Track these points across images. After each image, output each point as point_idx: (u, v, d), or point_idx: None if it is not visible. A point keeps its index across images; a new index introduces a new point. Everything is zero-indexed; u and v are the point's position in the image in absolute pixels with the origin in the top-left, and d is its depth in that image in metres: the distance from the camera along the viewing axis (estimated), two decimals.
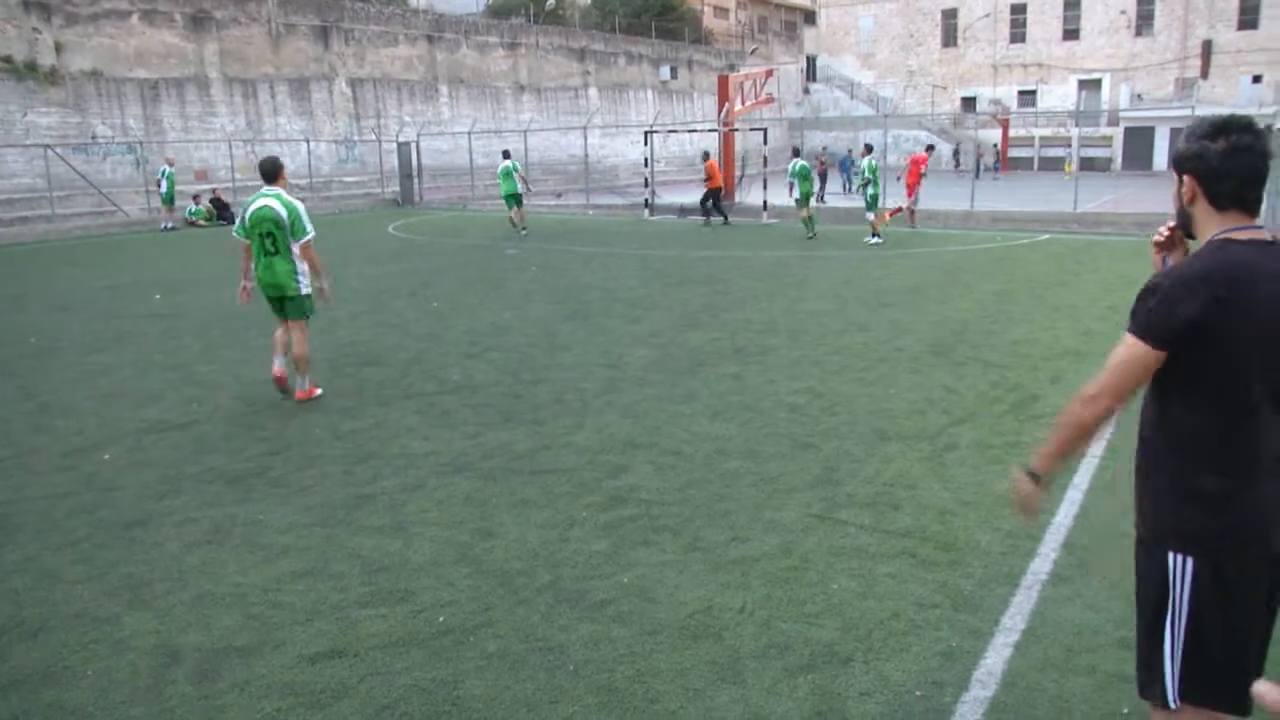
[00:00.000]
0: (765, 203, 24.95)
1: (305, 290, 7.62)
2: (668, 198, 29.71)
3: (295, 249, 7.49)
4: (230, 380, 8.56)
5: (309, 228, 7.51)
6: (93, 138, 28.43)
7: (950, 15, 57.60)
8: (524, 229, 22.47)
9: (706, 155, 24.95)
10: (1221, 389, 2.21)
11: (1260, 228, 2.26)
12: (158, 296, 13.81)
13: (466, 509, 5.33)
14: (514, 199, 22.51)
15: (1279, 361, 2.18)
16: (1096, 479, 5.55)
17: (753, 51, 61.23)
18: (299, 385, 7.77)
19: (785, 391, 7.70)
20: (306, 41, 34.51)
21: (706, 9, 66.14)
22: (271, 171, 7.56)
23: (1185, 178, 2.32)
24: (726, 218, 24.60)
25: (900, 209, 21.89)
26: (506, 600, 4.25)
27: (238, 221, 7.69)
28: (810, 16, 70.25)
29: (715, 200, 24.59)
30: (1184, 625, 2.28)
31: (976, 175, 30.66)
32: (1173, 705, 2.32)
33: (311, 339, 8.15)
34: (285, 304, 7.65)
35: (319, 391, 7.89)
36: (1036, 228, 21.46)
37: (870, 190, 19.49)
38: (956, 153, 50.77)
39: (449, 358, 9.28)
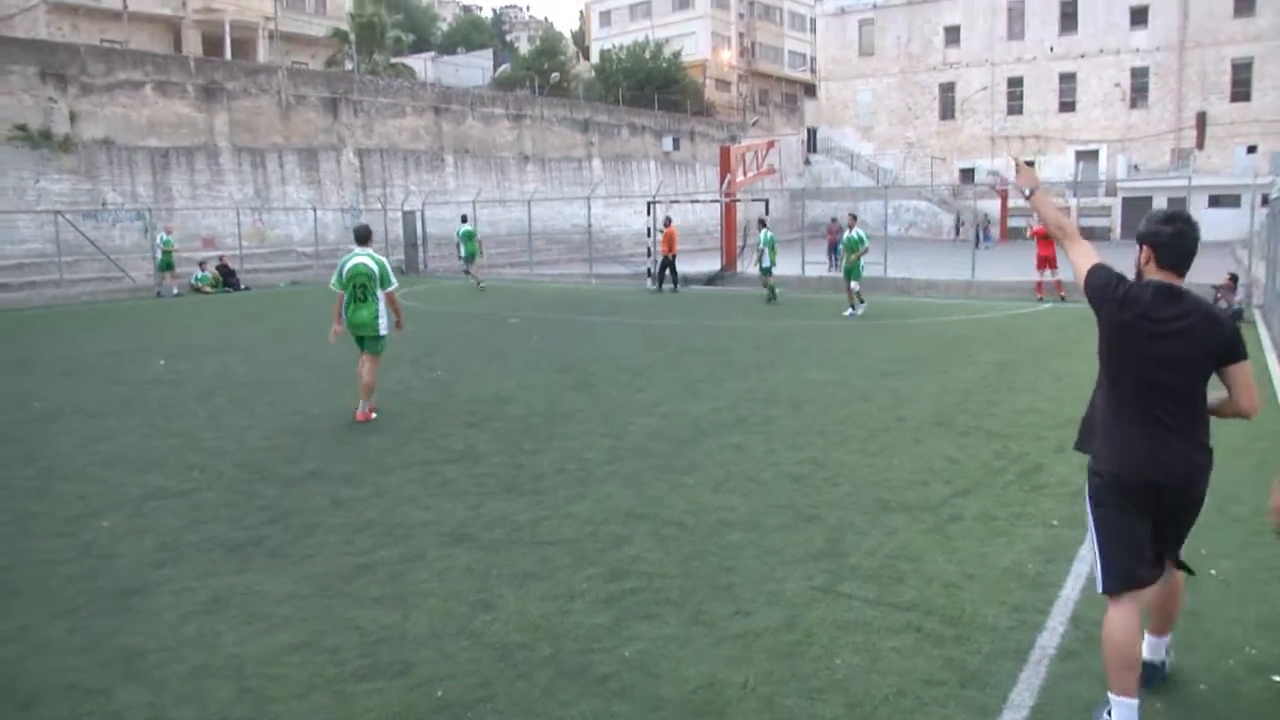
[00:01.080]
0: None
1: (384, 332, 9.58)
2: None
3: (382, 296, 9.43)
4: (233, 447, 8.56)
5: (394, 280, 9.55)
6: (103, 204, 28.85)
7: (948, 89, 58.65)
8: (482, 284, 26.54)
9: (668, 221, 25.78)
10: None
11: (1179, 280, 3.56)
12: (162, 362, 13.86)
13: (466, 580, 5.29)
14: (472, 258, 26.98)
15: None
16: None
17: (754, 123, 62.43)
18: (360, 408, 9.57)
19: (788, 462, 7.67)
20: (315, 112, 35.20)
21: (708, 82, 67.59)
22: (364, 236, 9.72)
23: (1144, 247, 3.61)
24: (676, 286, 25.48)
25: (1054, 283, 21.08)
26: (506, 674, 4.20)
27: (334, 275, 9.55)
28: (810, 90, 71.63)
29: (670, 268, 25.49)
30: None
31: (976, 245, 30.91)
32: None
33: (311, 406, 8.34)
34: (365, 341, 9.61)
35: (375, 415, 9.59)
36: (1037, 297, 21.57)
37: (847, 262, 18.94)
38: (958, 223, 51.19)
39: (451, 426, 9.28)
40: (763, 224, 22.97)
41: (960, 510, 6.35)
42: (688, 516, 6.31)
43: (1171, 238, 3.51)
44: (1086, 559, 5.31)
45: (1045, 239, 20.52)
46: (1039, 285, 21.25)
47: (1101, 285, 3.60)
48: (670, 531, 6.03)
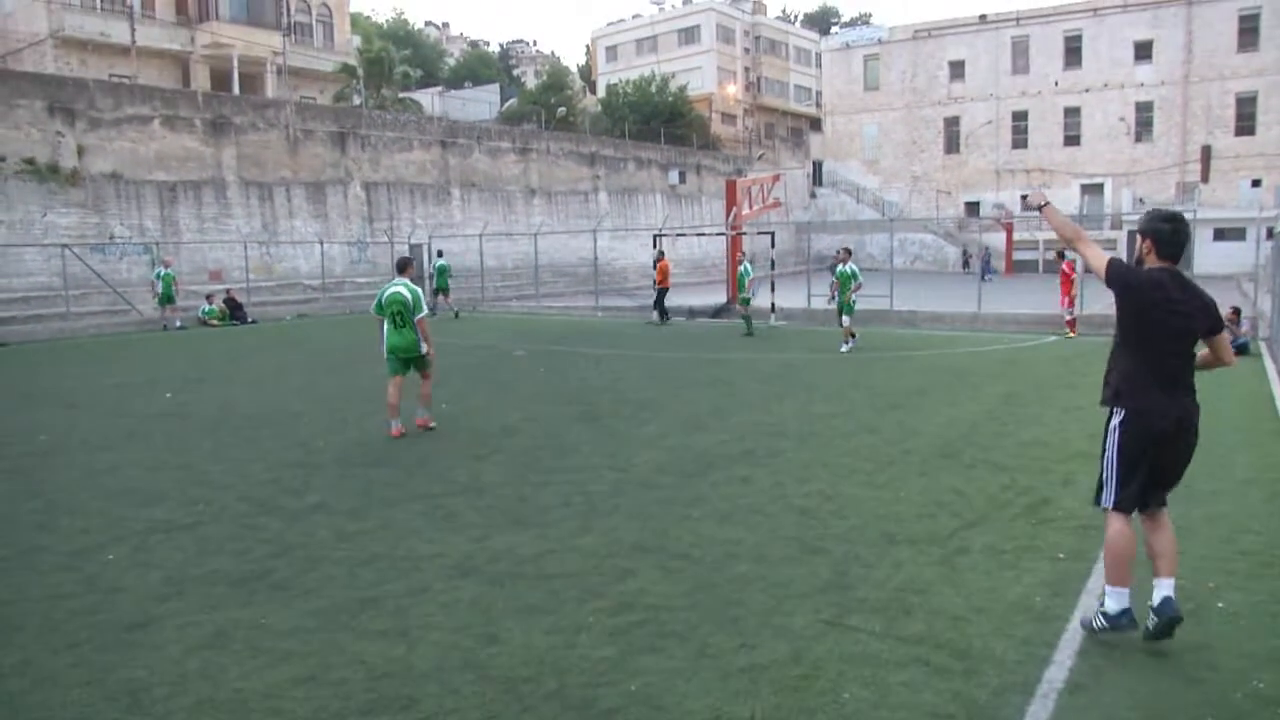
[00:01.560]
0: (774, 305, 25.23)
1: (424, 351, 10.56)
2: (677, 300, 30.00)
3: (415, 322, 10.44)
4: (237, 480, 8.58)
5: (425, 307, 10.55)
6: (110, 238, 29.03)
7: (953, 123, 59.01)
8: (456, 311, 29.24)
9: (661, 255, 26.25)
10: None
11: (1176, 267, 4.64)
12: (168, 395, 13.92)
13: (472, 613, 5.29)
14: (445, 291, 29.66)
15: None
16: None
17: (760, 157, 62.84)
18: (419, 414, 10.77)
19: (794, 494, 7.68)
20: (323, 147, 35.49)
21: (714, 116, 68.12)
22: (403, 266, 10.85)
23: (1146, 240, 4.66)
24: (666, 319, 25.90)
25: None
26: (512, 708, 4.19)
27: (375, 302, 10.52)
28: (816, 123, 72.20)
29: (660, 300, 25.95)
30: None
31: (982, 278, 31.01)
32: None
33: (316, 439, 9.68)
34: (412, 361, 10.59)
35: (434, 425, 10.71)
36: (1043, 330, 21.60)
37: (840, 296, 18.65)
38: (964, 256, 51.11)
39: (456, 459, 9.30)
40: (742, 256, 23.32)
41: (968, 543, 6.34)
42: (694, 549, 6.31)
43: (1170, 234, 4.62)
44: (1094, 591, 5.31)
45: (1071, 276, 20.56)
46: (1070, 323, 20.67)
47: (1127, 271, 4.65)
48: (676, 564, 6.03)
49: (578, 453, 9.48)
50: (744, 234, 30.16)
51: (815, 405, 12.16)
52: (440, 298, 29.65)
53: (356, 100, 45.17)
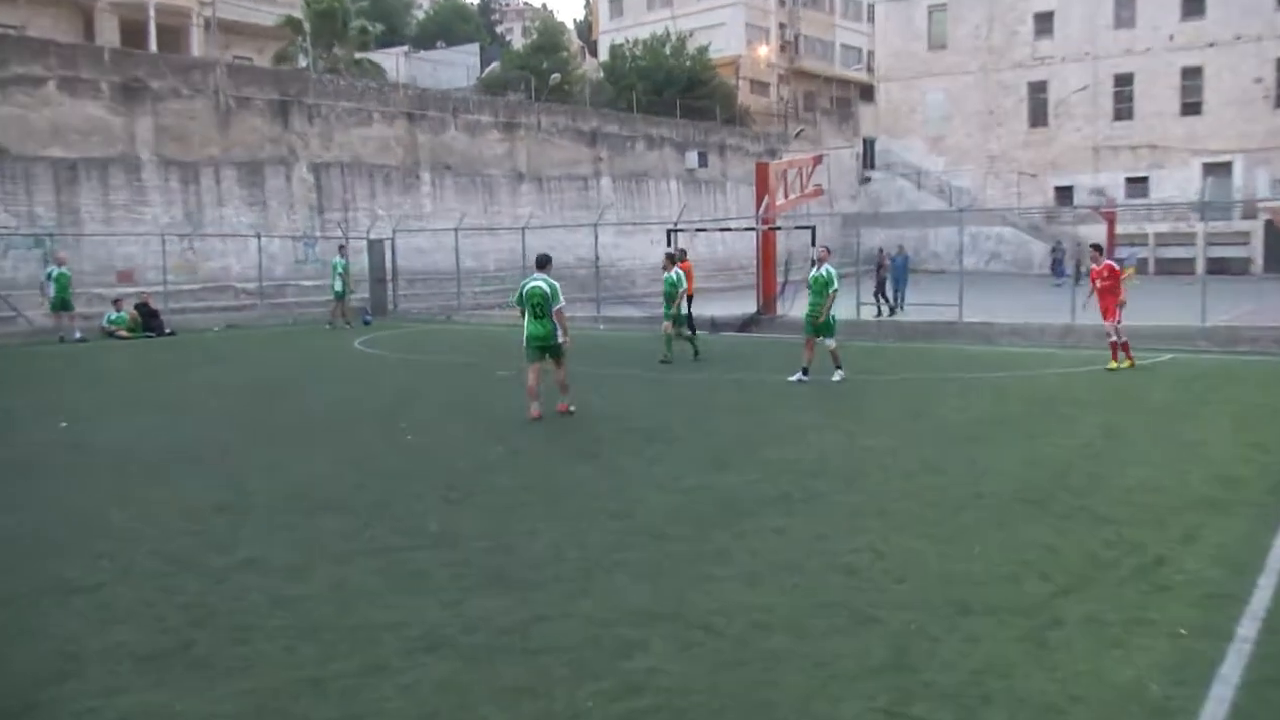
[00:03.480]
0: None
1: (560, 340, 13.67)
2: (696, 309, 30.02)
3: (553, 312, 13.55)
4: (149, 530, 8.56)
5: (562, 299, 13.69)
6: None
7: (1038, 89, 59.06)
8: (347, 323, 30.27)
9: (683, 254, 25.19)
10: None
11: None
12: (63, 424, 13.93)
13: (441, 698, 5.26)
14: (342, 295, 30.59)
15: None
16: (1251, 671, 5.41)
17: (798, 134, 63.05)
18: (561, 400, 13.93)
19: (840, 550, 7.64)
20: (262, 118, 35.71)
21: (742, 84, 68.49)
22: (544, 262, 14.03)
23: None
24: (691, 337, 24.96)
25: None
26: None
27: (516, 294, 14.03)
28: (867, 92, 72.50)
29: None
30: None
31: (1076, 281, 30.97)
32: None
33: (248, 479, 9.79)
34: (548, 350, 13.70)
35: (574, 409, 13.79)
36: (1155, 345, 21.49)
37: (811, 309, 17.36)
38: (1057, 257, 49.34)
39: (424, 503, 9.28)
40: (672, 259, 21.04)
41: (1062, 614, 6.29)
42: (716, 618, 6.28)
43: None
44: (1229, 678, 5.24)
45: (1110, 287, 18.70)
46: (1114, 346, 18.54)
47: None
48: (694, 636, 6.00)
49: (573, 496, 9.46)
50: (778, 229, 30.21)
51: (865, 437, 12.12)
52: (342, 303, 30.86)
53: (303, 62, 45.49)
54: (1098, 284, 18.95)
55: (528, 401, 13.59)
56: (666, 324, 20.31)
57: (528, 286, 13.71)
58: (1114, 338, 18.47)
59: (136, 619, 6.48)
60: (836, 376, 16.99)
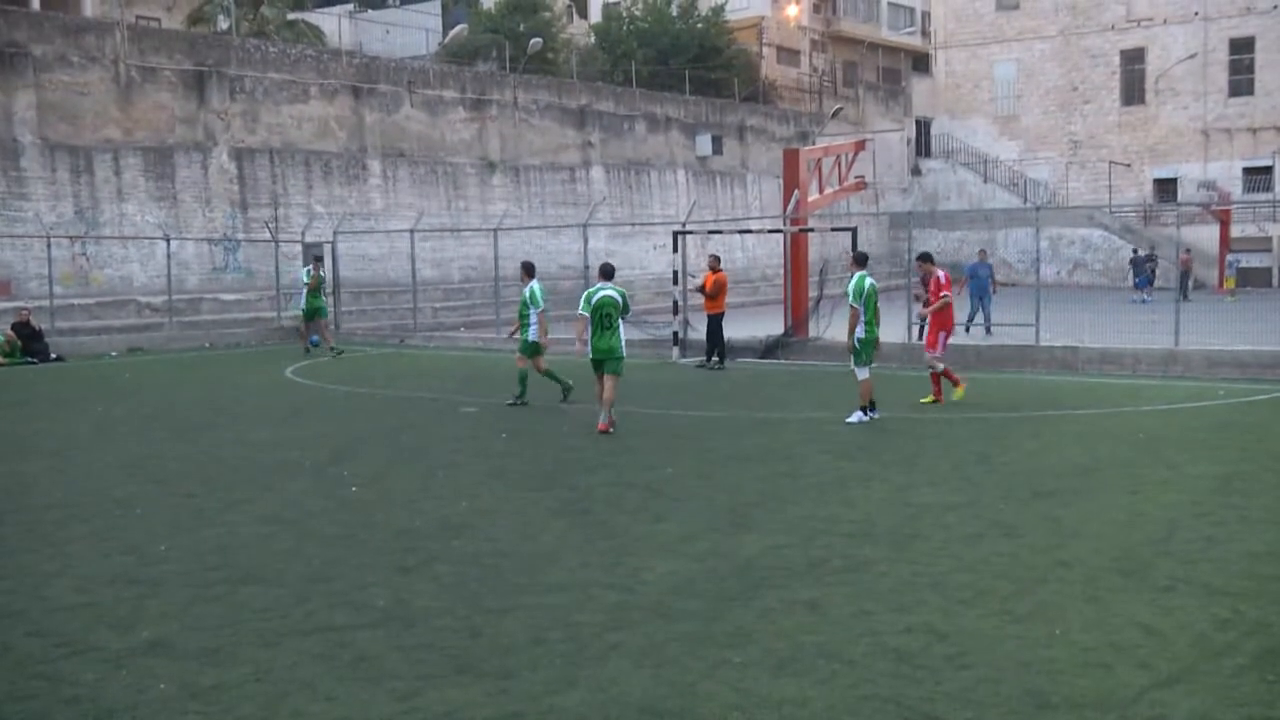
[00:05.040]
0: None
1: (624, 354, 16.15)
2: (703, 329, 30.02)
3: (622, 322, 16.18)
4: (30, 606, 8.56)
5: (631, 307, 16.48)
6: None
7: (1134, 58, 59.16)
8: (333, 349, 29.89)
9: (717, 262, 26.40)
10: None
11: None
12: None
13: None
14: (319, 312, 30.85)
15: None
16: None
17: (835, 114, 63.10)
18: (601, 418, 15.91)
19: (888, 629, 7.64)
20: (172, 93, 35.74)
21: (767, 51, 68.52)
22: (609, 272, 16.66)
23: None
24: (722, 360, 25.89)
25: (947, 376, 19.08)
26: None
27: (582, 301, 16.22)
28: (921, 61, 72.59)
29: (714, 332, 26.04)
30: None
31: (1183, 296, 30.94)
32: None
33: (154, 542, 10.03)
34: (607, 363, 15.91)
35: (613, 429, 15.83)
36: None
37: (863, 331, 17.17)
38: (1151, 263, 48.48)
39: (372, 572, 9.29)
40: (529, 272, 20.06)
41: (1166, 710, 6.29)
42: (735, 713, 6.28)
43: None
44: None
45: (940, 309, 18.93)
46: (937, 378, 19.02)
47: None
48: None
49: (557, 563, 9.46)
50: (810, 230, 30.21)
51: (918, 491, 12.14)
52: (311, 324, 31.30)
53: (224, 23, 45.55)
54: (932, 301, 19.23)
55: (598, 411, 16.14)
56: (518, 356, 19.47)
57: (598, 295, 15.84)
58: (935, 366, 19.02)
59: (13, 716, 6.47)
60: (853, 417, 16.86)
